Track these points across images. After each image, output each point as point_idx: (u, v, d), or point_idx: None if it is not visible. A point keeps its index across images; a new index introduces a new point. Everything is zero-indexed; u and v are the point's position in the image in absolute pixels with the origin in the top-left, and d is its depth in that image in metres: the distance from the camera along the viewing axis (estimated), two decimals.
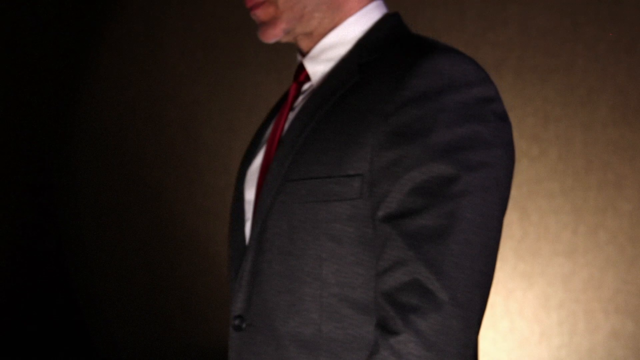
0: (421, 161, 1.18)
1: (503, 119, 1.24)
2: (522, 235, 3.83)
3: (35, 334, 4.12)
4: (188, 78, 4.12)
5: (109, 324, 4.18)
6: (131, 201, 4.15)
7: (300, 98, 1.39)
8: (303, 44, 1.40)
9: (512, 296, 3.84)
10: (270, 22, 1.35)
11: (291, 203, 1.27)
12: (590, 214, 3.74)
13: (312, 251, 1.26)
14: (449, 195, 1.17)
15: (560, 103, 3.78)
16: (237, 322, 1.32)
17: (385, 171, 1.21)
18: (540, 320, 3.77)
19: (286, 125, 1.36)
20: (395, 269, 1.18)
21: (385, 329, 1.17)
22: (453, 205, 1.17)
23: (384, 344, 1.16)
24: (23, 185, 4.13)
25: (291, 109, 1.39)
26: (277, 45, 4.14)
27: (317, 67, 1.38)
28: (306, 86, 1.41)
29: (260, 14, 1.35)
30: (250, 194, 1.39)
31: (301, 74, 1.41)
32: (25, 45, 4.11)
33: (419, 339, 1.15)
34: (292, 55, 4.08)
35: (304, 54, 1.42)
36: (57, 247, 4.16)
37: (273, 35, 1.35)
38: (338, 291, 1.25)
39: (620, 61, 3.73)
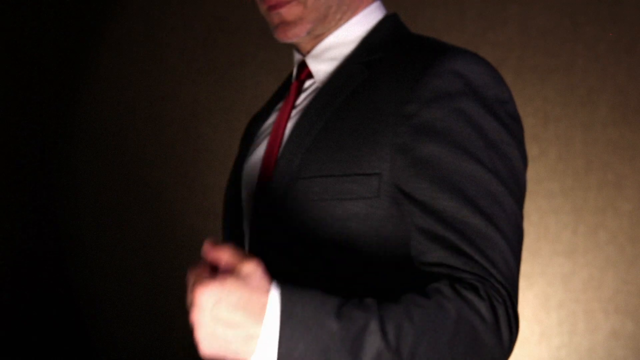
0: (445, 160, 1.19)
1: (516, 119, 1.26)
2: None
3: (35, 333, 4.12)
4: (188, 78, 4.11)
5: (109, 324, 4.18)
6: (131, 201, 4.15)
7: (303, 96, 1.38)
8: (307, 44, 1.39)
9: None
10: (295, 22, 1.33)
11: (304, 201, 1.25)
12: (590, 214, 3.74)
13: (325, 249, 1.25)
14: (479, 191, 1.19)
15: (560, 103, 3.78)
16: None
17: (411, 170, 1.20)
18: (540, 320, 3.77)
19: (289, 123, 1.35)
20: (450, 257, 1.18)
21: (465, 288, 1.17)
22: (484, 201, 1.19)
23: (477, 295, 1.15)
24: (23, 185, 4.12)
25: (293, 107, 1.38)
26: (277, 45, 4.13)
27: (320, 65, 1.37)
28: (307, 84, 1.40)
29: (286, 13, 1.33)
30: (248, 192, 1.38)
31: (302, 72, 1.41)
32: (25, 45, 4.10)
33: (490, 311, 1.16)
34: (292, 55, 4.07)
35: (303, 53, 1.41)
36: (57, 247, 4.16)
37: (295, 35, 1.34)
38: (351, 290, 1.24)
39: (620, 61, 3.73)
